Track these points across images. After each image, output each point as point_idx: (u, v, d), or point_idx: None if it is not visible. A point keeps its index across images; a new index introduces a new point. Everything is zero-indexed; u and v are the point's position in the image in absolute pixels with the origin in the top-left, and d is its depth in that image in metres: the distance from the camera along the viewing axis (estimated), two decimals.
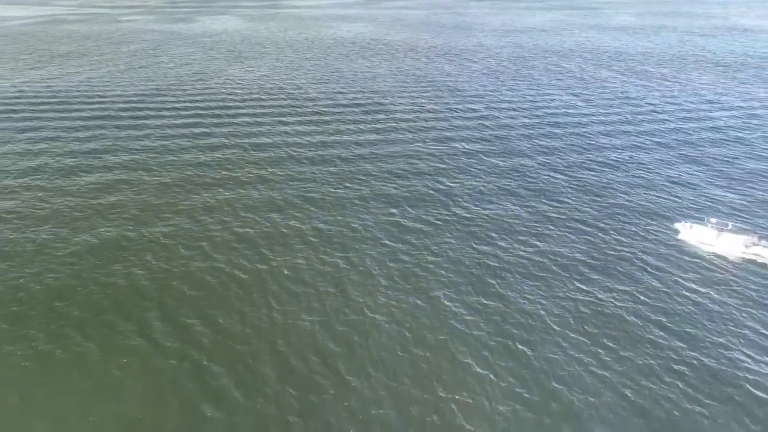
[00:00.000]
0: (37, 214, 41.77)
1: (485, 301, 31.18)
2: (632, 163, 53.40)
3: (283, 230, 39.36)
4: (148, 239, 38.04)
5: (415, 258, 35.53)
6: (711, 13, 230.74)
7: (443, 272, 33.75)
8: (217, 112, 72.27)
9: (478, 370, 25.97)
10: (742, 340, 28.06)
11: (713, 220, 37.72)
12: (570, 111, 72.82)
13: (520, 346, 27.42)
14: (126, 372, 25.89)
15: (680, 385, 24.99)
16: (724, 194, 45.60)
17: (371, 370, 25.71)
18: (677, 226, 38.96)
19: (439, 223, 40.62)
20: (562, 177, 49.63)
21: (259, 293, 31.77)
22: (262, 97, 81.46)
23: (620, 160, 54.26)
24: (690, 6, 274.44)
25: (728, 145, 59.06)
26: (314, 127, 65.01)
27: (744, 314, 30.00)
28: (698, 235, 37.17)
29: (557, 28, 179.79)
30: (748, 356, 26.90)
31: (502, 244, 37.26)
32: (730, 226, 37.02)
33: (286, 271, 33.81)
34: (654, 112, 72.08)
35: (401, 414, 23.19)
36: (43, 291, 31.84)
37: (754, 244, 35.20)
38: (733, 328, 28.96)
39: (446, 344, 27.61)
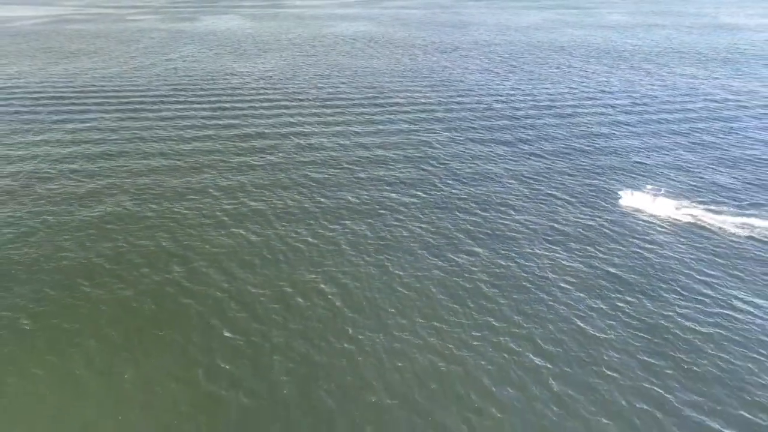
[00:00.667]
0: (76, 193, 47.55)
1: (445, 263, 36.82)
2: (585, 142, 59.70)
3: (291, 205, 45.05)
4: (166, 215, 43.81)
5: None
6: (702, 12, 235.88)
7: (408, 232, 39.46)
8: (224, 105, 77.99)
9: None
10: (674, 285, 33.76)
11: (649, 186, 44.63)
12: (540, 100, 78.47)
13: (490, 293, 33.08)
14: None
15: (619, 329, 30.62)
16: (658, 165, 53.64)
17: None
18: (620, 193, 45.46)
19: (418, 196, 46.33)
20: (519, 158, 55.34)
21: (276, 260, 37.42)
22: (267, 91, 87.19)
23: (576, 140, 60.77)
24: (682, 5, 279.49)
25: (669, 123, 68.25)
26: (317, 119, 70.67)
27: (674, 263, 35.89)
28: (638, 201, 43.52)
29: (550, 26, 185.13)
30: (679, 296, 32.57)
31: (483, 214, 42.95)
32: (662, 192, 43.59)
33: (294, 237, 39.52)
34: (613, 99, 77.97)
35: None
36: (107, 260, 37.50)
37: (683, 206, 42.11)
38: (665, 275, 34.73)
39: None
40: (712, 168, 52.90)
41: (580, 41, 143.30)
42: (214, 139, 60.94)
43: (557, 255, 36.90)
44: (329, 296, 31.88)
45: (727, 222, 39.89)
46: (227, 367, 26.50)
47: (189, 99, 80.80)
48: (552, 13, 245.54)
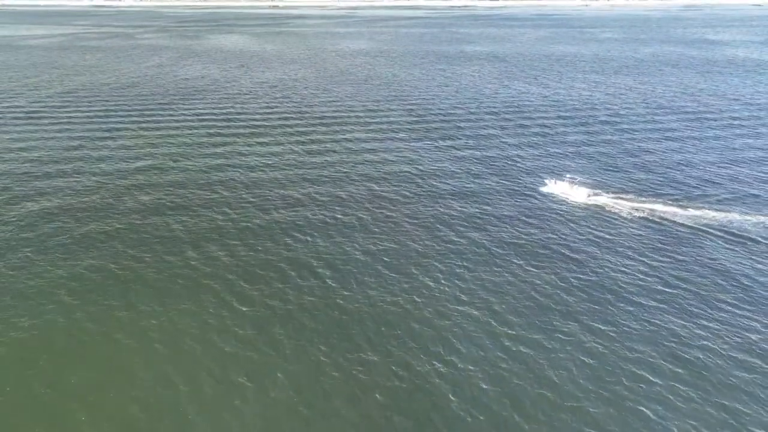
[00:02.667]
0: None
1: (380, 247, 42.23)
2: (521, 142, 66.20)
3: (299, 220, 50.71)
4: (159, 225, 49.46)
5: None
6: (688, 32, 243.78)
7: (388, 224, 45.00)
8: (232, 117, 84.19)
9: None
10: (587, 255, 39.42)
11: (568, 175, 52.57)
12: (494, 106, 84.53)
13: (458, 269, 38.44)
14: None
15: (571, 294, 35.98)
16: (577, 157, 62.61)
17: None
18: (546, 181, 53.24)
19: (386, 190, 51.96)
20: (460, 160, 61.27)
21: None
22: (271, 104, 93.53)
23: (514, 136, 66.97)
24: (671, 27, 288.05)
25: (589, 125, 78.27)
26: (317, 128, 76.62)
27: (589, 238, 42.41)
28: (559, 188, 51.35)
29: (541, 42, 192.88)
30: (595, 260, 37.92)
31: (455, 204, 48.54)
32: (578, 180, 51.75)
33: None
34: (551, 102, 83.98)
35: None
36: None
37: (595, 194, 50.21)
38: (581, 247, 40.85)
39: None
40: (621, 161, 61.52)
41: (564, 56, 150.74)
42: (216, 148, 66.72)
43: (494, 234, 42.67)
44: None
45: (628, 206, 47.82)
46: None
47: (199, 111, 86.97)
48: (546, 31, 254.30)
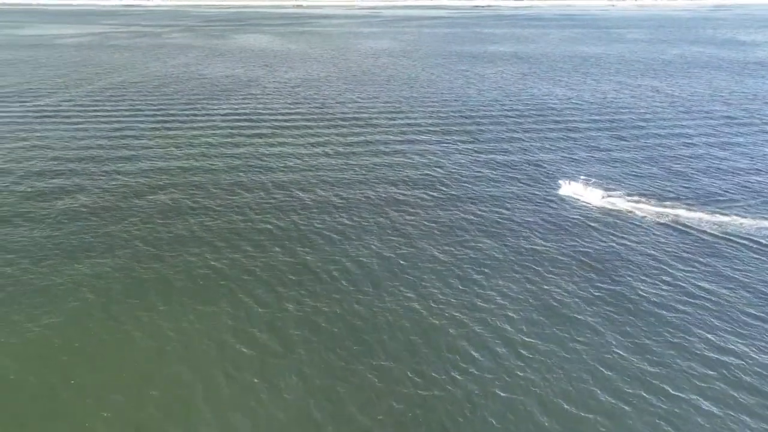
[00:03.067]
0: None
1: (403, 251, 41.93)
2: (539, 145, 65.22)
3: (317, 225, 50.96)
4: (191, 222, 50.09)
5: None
6: (718, 33, 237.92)
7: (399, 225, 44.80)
8: (254, 117, 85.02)
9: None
10: (604, 262, 38.92)
11: (582, 177, 52.73)
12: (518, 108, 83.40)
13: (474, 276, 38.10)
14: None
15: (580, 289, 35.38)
16: (591, 159, 62.85)
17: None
18: (560, 182, 53.37)
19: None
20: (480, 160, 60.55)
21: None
22: (293, 104, 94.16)
23: (528, 139, 65.48)
24: (700, 28, 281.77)
25: (604, 124, 78.07)
26: (339, 129, 76.84)
27: (608, 244, 41.87)
28: (573, 189, 51.45)
29: (566, 42, 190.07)
30: (612, 267, 37.13)
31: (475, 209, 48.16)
32: (592, 181, 51.73)
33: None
34: (566, 104, 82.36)
35: None
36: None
37: (609, 195, 50.31)
38: (599, 254, 40.32)
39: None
40: (644, 164, 60.81)
41: (569, 55, 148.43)
42: (240, 148, 67.44)
43: (515, 228, 42.46)
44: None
45: (648, 210, 47.42)
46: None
47: (224, 111, 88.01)
48: (570, 32, 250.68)
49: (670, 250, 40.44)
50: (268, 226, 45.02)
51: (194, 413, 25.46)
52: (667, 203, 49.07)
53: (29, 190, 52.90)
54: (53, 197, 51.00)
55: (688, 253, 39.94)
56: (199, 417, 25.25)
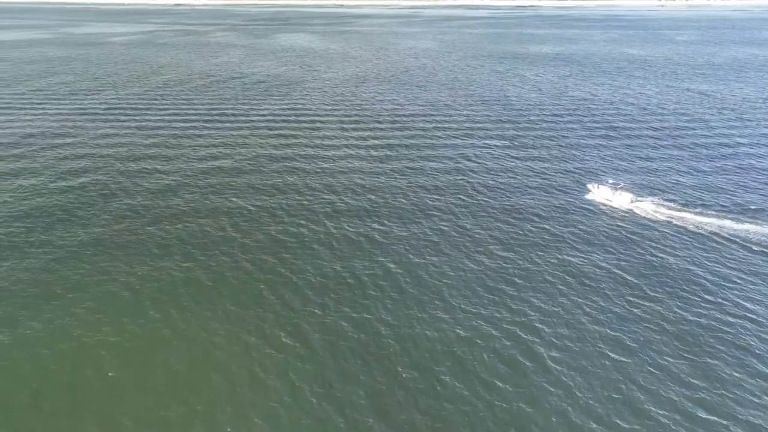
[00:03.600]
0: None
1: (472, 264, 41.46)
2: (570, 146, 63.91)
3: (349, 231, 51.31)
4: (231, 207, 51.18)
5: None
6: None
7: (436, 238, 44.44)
8: (297, 119, 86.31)
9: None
10: (628, 253, 38.97)
11: (611, 181, 52.18)
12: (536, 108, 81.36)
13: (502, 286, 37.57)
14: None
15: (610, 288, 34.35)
16: (620, 163, 62.68)
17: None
18: (589, 186, 53.10)
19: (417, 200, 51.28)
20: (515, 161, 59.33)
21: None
22: (332, 105, 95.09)
23: (560, 143, 66.77)
24: (755, 29, 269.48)
25: (643, 130, 74.70)
26: (379, 132, 77.14)
27: (632, 242, 42.36)
28: (602, 193, 51.00)
29: (611, 44, 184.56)
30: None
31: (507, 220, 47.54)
32: (621, 185, 51.04)
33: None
34: (599, 108, 79.48)
35: None
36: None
37: (638, 199, 49.83)
38: (623, 250, 40.87)
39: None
40: (667, 168, 60.06)
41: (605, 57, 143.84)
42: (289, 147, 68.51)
43: (544, 237, 42.08)
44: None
45: (671, 214, 47.38)
46: None
47: (264, 112, 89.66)
48: (616, 33, 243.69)
49: (706, 263, 38.87)
50: (300, 230, 45.54)
51: (219, 412, 26.05)
52: (702, 213, 47.65)
53: (73, 187, 55.19)
54: (96, 195, 53.05)
55: (724, 267, 38.29)
56: (224, 416, 25.81)
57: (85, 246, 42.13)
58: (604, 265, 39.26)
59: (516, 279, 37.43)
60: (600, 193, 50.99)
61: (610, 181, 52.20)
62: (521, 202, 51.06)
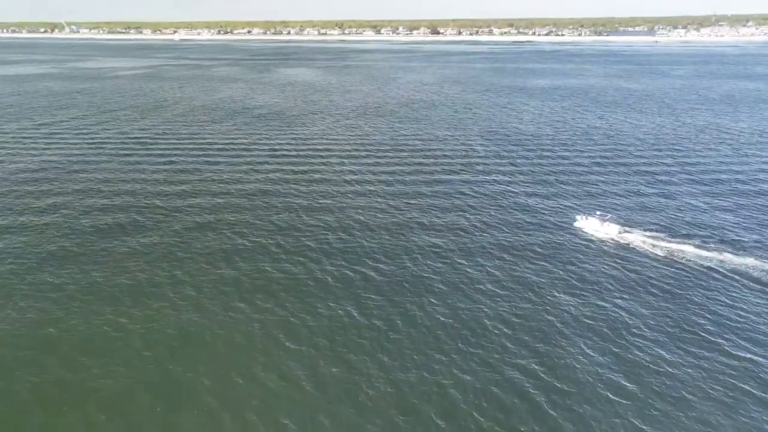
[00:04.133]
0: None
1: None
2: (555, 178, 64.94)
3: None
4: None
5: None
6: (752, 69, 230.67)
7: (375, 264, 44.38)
8: (295, 153, 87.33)
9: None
10: (615, 284, 40.85)
11: (598, 213, 53.86)
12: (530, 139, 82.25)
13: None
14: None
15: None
16: (608, 195, 64.51)
17: None
18: (577, 217, 54.79)
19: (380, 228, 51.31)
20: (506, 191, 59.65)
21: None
22: (332, 140, 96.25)
23: (550, 173, 68.81)
24: (741, 65, 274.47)
25: (622, 161, 78.46)
26: (378, 168, 77.93)
27: (616, 271, 43.44)
28: (590, 224, 52.56)
29: (609, 78, 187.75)
30: (612, 290, 35.47)
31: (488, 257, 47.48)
32: (608, 217, 52.70)
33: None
34: (583, 141, 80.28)
35: None
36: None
37: (625, 231, 51.36)
38: (606, 280, 41.83)
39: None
40: (653, 201, 61.29)
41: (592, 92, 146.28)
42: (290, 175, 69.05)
43: (528, 265, 44.48)
44: None
45: (657, 246, 48.44)
46: None
47: (262, 148, 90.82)
48: (613, 68, 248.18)
49: (696, 294, 38.57)
50: (297, 268, 45.36)
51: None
52: (684, 242, 49.07)
53: (71, 225, 55.28)
54: (95, 231, 53.10)
55: (713, 298, 37.96)
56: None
57: (81, 286, 41.94)
58: (590, 313, 38.96)
59: (513, 318, 37.09)
60: (588, 224, 52.80)
61: (598, 212, 53.95)
62: (517, 239, 51.10)
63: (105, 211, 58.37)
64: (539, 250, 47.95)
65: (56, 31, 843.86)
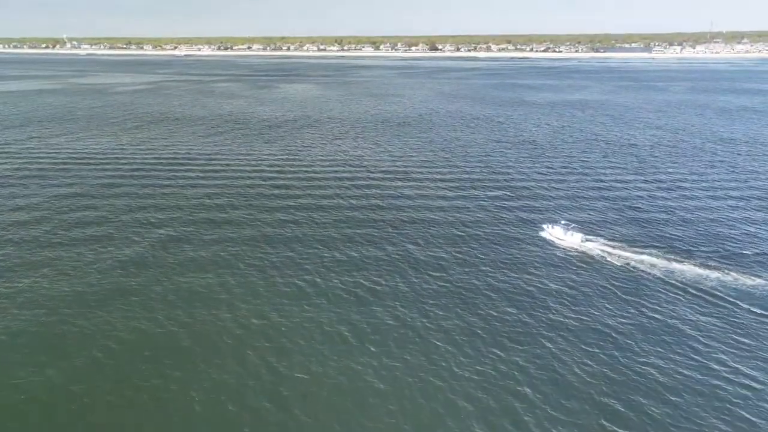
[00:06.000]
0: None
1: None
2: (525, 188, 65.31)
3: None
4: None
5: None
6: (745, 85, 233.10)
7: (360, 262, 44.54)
8: (290, 168, 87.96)
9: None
10: (576, 292, 41.94)
11: (563, 222, 55.45)
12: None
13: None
14: None
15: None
16: (572, 206, 66.80)
17: None
18: (544, 226, 56.63)
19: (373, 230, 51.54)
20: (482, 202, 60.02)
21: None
22: (328, 157, 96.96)
23: (516, 188, 67.59)
24: (736, 81, 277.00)
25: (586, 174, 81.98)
26: (372, 183, 78.35)
27: (578, 279, 44.71)
28: (555, 233, 54.50)
29: (606, 94, 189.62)
30: (579, 299, 35.62)
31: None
32: (571, 227, 54.62)
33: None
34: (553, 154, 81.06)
35: None
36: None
37: (587, 240, 53.45)
38: (568, 286, 43.09)
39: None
40: (615, 211, 63.63)
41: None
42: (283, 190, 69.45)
43: (493, 274, 46.08)
44: None
45: (615, 254, 50.67)
46: None
47: (254, 164, 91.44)
48: (611, 85, 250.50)
49: (648, 301, 38.72)
50: (293, 281, 45.49)
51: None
52: (649, 253, 50.84)
53: (70, 235, 55.46)
54: (94, 245, 53.24)
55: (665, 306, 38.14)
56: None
57: (75, 297, 42.06)
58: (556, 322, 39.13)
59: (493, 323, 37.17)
60: (553, 233, 54.75)
61: (562, 222, 55.72)
62: (509, 252, 51.46)
63: (94, 223, 58.66)
64: (514, 257, 50.19)
65: (58, 46, 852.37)
